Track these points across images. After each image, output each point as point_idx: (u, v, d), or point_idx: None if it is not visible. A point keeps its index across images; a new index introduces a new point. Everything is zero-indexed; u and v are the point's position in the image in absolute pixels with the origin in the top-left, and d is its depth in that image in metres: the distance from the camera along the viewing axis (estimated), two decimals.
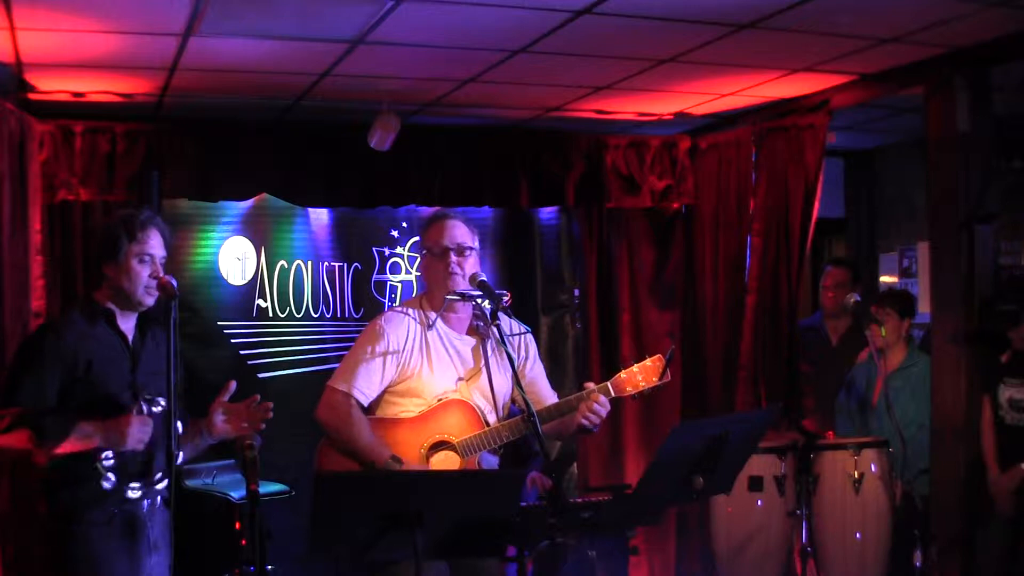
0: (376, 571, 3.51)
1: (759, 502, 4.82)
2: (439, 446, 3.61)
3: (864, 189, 7.02)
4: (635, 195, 6.09)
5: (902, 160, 6.71)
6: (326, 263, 5.94)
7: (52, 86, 4.74)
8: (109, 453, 3.30)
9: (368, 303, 5.98)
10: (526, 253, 6.36)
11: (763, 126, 5.56)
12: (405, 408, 3.67)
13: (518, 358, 3.73)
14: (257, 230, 5.78)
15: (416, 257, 5.92)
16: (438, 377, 3.66)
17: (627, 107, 5.50)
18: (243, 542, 4.50)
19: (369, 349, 3.65)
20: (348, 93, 5.00)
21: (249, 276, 5.76)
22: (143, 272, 3.40)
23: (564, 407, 3.64)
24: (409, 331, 3.68)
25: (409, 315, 3.72)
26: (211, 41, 4.11)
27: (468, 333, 3.78)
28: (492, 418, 3.68)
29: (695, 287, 6.14)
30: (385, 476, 3.30)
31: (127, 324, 3.48)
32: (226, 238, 5.72)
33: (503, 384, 3.72)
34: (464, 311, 3.76)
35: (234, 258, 5.74)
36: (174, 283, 3.28)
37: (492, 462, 3.72)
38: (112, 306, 3.44)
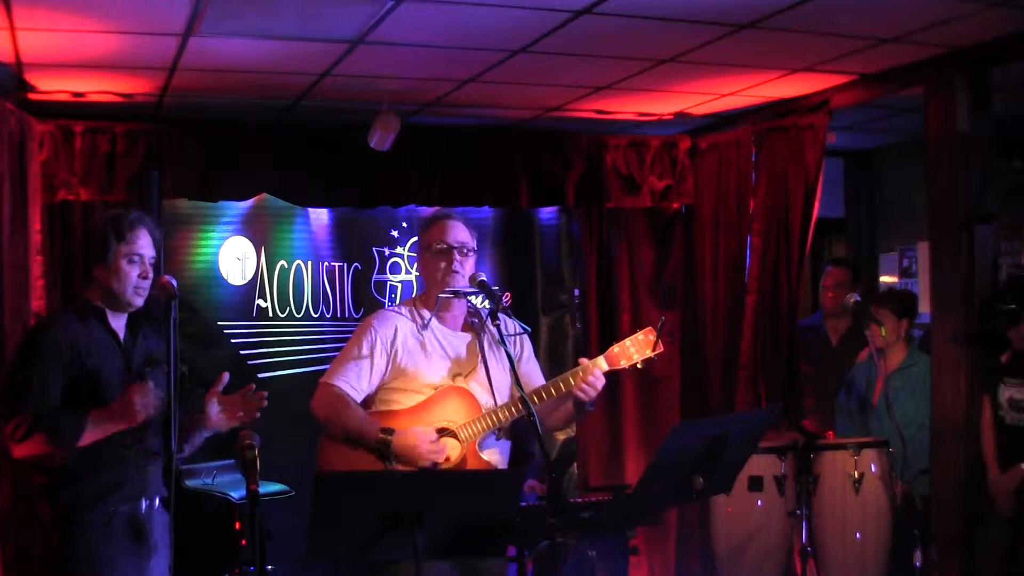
0: (376, 571, 3.52)
1: (759, 502, 4.82)
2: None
3: (864, 189, 7.02)
4: (635, 195, 6.08)
5: (902, 160, 6.70)
6: (326, 263, 5.94)
7: (52, 86, 4.74)
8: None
9: (368, 303, 5.97)
10: (526, 253, 6.36)
11: (763, 126, 5.55)
12: (401, 404, 3.68)
13: (514, 356, 3.73)
14: (257, 230, 5.78)
15: (416, 257, 5.92)
16: (433, 373, 3.68)
17: (627, 107, 5.50)
18: (243, 542, 4.51)
19: (359, 346, 3.68)
20: (348, 93, 5.00)
21: (249, 276, 5.76)
22: (132, 272, 3.41)
23: (560, 385, 3.65)
24: (400, 329, 3.69)
25: (402, 314, 3.75)
26: (211, 41, 4.10)
27: (463, 329, 3.79)
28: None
29: (695, 287, 6.13)
30: (385, 476, 3.31)
31: (118, 323, 3.50)
32: (226, 238, 5.72)
33: (501, 378, 3.73)
34: (459, 308, 3.78)
35: (234, 258, 5.74)
36: (174, 283, 3.27)
37: (494, 446, 3.72)
38: (102, 305, 3.46)
